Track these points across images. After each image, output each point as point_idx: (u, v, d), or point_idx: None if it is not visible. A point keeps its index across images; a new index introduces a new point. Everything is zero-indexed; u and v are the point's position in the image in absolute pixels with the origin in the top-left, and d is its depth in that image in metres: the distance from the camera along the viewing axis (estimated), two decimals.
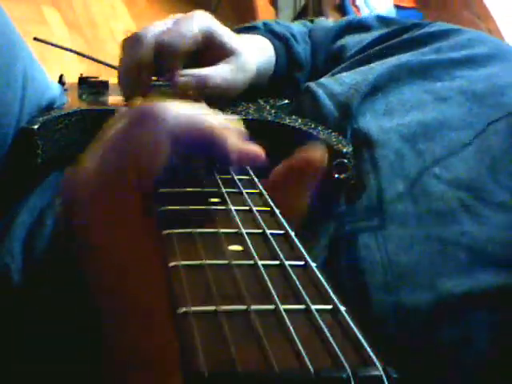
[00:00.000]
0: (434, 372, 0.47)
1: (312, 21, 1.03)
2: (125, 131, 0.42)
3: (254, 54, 0.82)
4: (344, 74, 0.74)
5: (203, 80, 0.75)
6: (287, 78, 0.89)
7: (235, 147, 0.43)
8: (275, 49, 0.87)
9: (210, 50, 0.78)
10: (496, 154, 0.59)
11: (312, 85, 0.72)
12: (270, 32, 0.89)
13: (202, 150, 0.43)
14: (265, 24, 0.91)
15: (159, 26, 0.77)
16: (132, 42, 0.76)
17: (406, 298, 0.51)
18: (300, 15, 2.83)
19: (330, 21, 1.00)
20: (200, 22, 0.77)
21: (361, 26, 0.91)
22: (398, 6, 2.82)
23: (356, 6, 2.74)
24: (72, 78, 0.88)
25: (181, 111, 0.42)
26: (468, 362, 0.48)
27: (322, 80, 0.74)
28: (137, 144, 0.41)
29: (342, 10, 2.74)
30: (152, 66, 0.75)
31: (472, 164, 0.59)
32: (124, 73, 0.76)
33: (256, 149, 0.44)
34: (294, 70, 0.89)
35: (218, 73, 0.77)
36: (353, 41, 0.88)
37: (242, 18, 2.85)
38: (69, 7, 2.28)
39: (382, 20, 0.93)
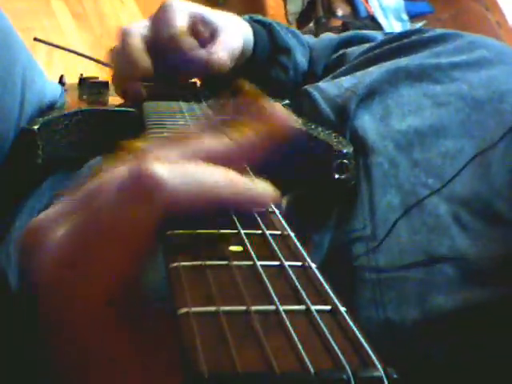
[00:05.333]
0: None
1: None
2: (115, 204, 0.34)
3: (234, 25, 0.84)
4: (342, 78, 0.74)
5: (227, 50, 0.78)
6: (272, 62, 0.90)
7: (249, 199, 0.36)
8: (254, 30, 0.88)
9: (199, 32, 0.80)
10: (494, 170, 0.58)
11: (309, 88, 0.72)
12: (251, 19, 0.90)
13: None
14: (250, 16, 0.92)
15: (142, 24, 0.80)
16: (120, 38, 0.80)
17: (392, 314, 0.50)
18: (308, 7, 2.82)
19: (333, 35, 1.01)
20: (180, 9, 0.79)
21: (366, 41, 0.91)
22: None
23: None
24: (73, 79, 0.88)
25: (183, 176, 0.34)
26: (453, 377, 0.48)
27: (320, 83, 0.74)
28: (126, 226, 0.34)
29: (350, 1, 2.73)
30: (147, 69, 0.78)
31: (467, 176, 0.58)
32: (117, 79, 0.81)
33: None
34: (278, 53, 0.89)
35: (227, 43, 0.80)
36: (354, 50, 0.88)
37: (250, 11, 2.84)
38: (77, 0, 2.28)
39: (388, 34, 0.93)
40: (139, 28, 0.79)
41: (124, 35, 0.79)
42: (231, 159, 0.38)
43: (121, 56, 0.79)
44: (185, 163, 0.36)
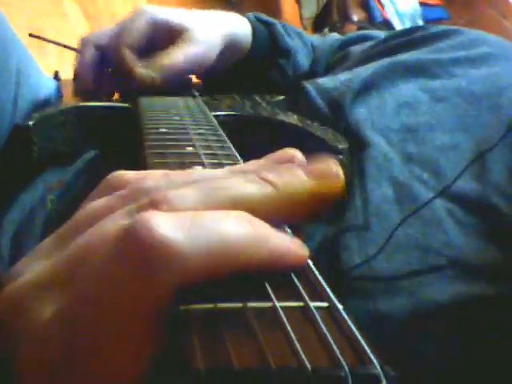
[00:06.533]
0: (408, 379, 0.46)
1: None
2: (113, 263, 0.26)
3: (210, 23, 0.83)
4: (340, 73, 0.74)
5: (165, 67, 0.77)
6: (271, 63, 0.89)
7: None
8: (254, 29, 0.87)
9: (162, 37, 0.80)
10: (491, 167, 0.58)
11: (305, 83, 0.72)
12: (255, 18, 0.89)
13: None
14: (256, 15, 0.91)
15: (106, 31, 0.81)
16: (79, 48, 0.82)
17: (382, 305, 0.50)
18: (323, 12, 2.82)
19: (339, 35, 1.00)
20: (143, 14, 0.79)
21: (369, 40, 0.90)
22: (423, 4, 2.80)
23: (380, 3, 2.72)
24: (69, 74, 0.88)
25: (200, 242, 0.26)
26: (441, 371, 0.47)
27: (318, 79, 0.74)
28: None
29: (365, 6, 2.73)
30: (92, 70, 0.81)
31: (464, 174, 0.58)
32: (74, 77, 0.83)
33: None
34: (277, 55, 0.88)
35: (174, 54, 0.78)
36: (356, 48, 0.87)
37: (265, 14, 2.85)
38: (90, 1, 2.29)
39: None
40: (99, 37, 0.81)
41: (81, 45, 0.82)
42: (268, 212, 0.30)
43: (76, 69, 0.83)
44: (203, 215, 0.28)
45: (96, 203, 0.31)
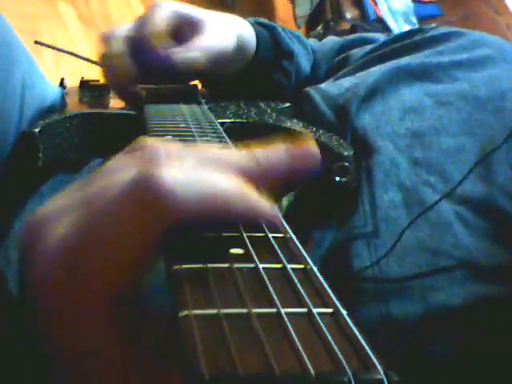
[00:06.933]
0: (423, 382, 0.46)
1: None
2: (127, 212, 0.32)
3: (224, 23, 0.81)
4: (344, 78, 0.74)
5: (203, 50, 0.75)
6: (274, 66, 0.88)
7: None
8: (257, 33, 0.86)
9: (183, 29, 0.78)
10: (496, 168, 0.58)
11: (309, 90, 0.72)
12: (256, 22, 0.88)
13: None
14: (255, 19, 0.90)
15: (125, 26, 0.78)
16: (103, 44, 0.77)
17: (395, 309, 0.50)
18: (317, 10, 2.82)
19: (337, 38, 0.99)
20: (165, 7, 0.77)
21: (369, 43, 0.89)
22: (416, 1, 2.80)
23: (373, 1, 2.72)
24: (74, 81, 0.88)
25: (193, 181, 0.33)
26: (453, 373, 0.47)
27: (321, 85, 0.74)
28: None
29: (359, 4, 2.73)
30: (126, 63, 0.76)
31: (469, 177, 0.58)
32: (104, 76, 0.79)
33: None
34: (281, 57, 0.87)
35: (201, 43, 0.77)
36: (356, 52, 0.87)
37: (259, 14, 2.85)
38: (85, 4, 2.28)
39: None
40: (122, 31, 0.78)
41: (105, 41, 0.77)
42: (250, 175, 0.36)
43: (105, 62, 0.78)
44: (199, 170, 0.34)
45: (114, 162, 0.37)
